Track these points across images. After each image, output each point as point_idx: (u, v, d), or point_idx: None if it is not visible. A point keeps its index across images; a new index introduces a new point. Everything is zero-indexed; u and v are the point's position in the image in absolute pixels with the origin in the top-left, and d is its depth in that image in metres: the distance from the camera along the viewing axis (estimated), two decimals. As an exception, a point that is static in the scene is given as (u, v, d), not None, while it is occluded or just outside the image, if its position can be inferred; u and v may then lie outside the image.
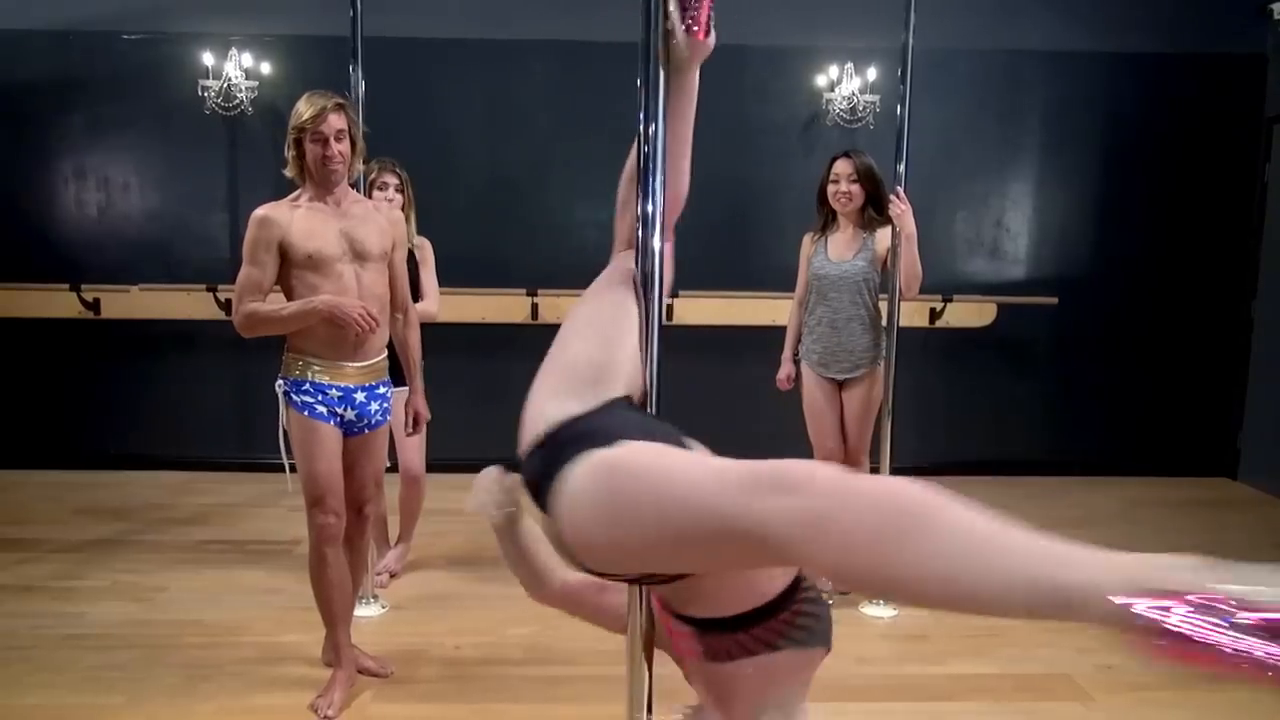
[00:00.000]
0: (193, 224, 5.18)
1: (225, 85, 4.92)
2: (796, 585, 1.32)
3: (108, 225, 5.16)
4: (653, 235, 1.43)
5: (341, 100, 2.69)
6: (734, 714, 1.34)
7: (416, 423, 3.09)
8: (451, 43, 5.09)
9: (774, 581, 1.30)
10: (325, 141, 2.62)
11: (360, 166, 2.83)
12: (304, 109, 2.63)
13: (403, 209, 3.61)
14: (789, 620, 1.29)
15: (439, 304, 3.75)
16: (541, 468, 1.24)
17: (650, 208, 1.42)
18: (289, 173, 2.71)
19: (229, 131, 5.08)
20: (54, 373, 5.24)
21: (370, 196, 3.50)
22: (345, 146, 2.67)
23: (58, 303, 5.07)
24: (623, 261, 1.57)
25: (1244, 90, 5.33)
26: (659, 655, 1.54)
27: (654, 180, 1.41)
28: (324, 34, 4.35)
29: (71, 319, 5.10)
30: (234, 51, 4.93)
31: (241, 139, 5.10)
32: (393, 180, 3.60)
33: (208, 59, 4.90)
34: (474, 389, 4.94)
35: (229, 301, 4.98)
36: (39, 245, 5.13)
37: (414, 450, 3.64)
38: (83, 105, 5.07)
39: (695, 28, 1.35)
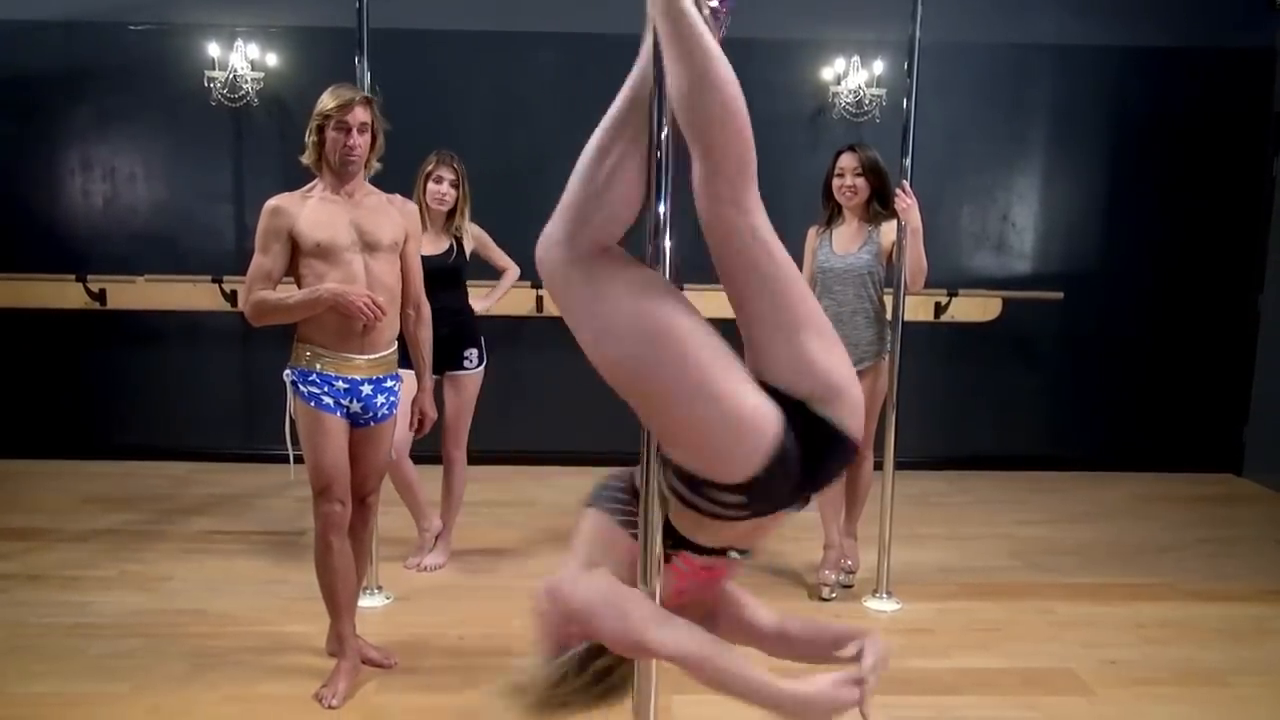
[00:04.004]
0: (198, 215, 5.18)
1: (231, 76, 4.92)
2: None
3: (114, 216, 5.17)
4: (663, 237, 1.43)
5: (370, 96, 2.74)
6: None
7: (422, 422, 3.07)
8: (458, 34, 5.08)
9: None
10: (349, 131, 2.65)
11: (378, 164, 2.84)
12: (329, 99, 2.66)
13: (457, 203, 3.67)
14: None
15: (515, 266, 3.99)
16: None
17: (661, 208, 1.42)
18: (306, 159, 2.72)
19: (235, 123, 5.08)
20: (60, 363, 5.25)
21: (425, 189, 3.60)
22: (366, 140, 2.70)
23: (64, 293, 5.08)
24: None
25: (1253, 85, 5.30)
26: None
27: (664, 180, 1.41)
28: (330, 25, 4.34)
29: (78, 309, 5.11)
30: (240, 43, 4.93)
31: (247, 130, 5.10)
32: (449, 175, 3.62)
33: (213, 50, 4.89)
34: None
35: (234, 293, 5.02)
36: (46, 236, 5.14)
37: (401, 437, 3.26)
38: (89, 96, 5.07)
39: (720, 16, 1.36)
